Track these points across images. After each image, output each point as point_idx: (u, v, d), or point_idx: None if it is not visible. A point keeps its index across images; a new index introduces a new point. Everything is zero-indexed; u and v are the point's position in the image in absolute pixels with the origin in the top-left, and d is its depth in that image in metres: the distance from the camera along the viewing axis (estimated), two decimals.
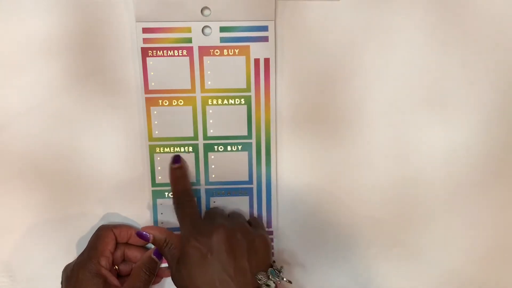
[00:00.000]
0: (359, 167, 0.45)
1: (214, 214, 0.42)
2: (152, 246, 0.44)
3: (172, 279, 0.40)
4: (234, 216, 0.43)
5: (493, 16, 0.43)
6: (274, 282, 0.39)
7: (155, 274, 0.42)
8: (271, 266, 0.40)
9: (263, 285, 0.38)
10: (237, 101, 0.43)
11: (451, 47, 0.43)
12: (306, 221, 0.46)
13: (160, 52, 0.42)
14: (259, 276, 0.38)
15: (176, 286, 0.40)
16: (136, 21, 0.41)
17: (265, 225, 0.45)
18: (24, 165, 0.44)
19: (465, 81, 0.44)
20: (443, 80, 0.44)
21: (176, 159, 0.43)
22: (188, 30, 0.41)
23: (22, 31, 0.41)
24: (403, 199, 0.46)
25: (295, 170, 0.45)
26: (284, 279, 0.40)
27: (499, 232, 0.47)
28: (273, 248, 0.45)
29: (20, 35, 0.41)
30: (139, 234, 0.41)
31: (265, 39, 0.42)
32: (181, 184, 0.43)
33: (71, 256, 0.44)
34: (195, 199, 0.43)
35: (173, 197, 0.43)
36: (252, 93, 0.43)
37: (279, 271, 0.40)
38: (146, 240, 0.41)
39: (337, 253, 0.46)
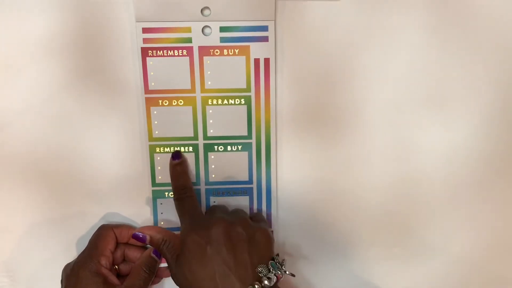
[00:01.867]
0: (359, 167, 0.45)
1: (215, 209, 0.42)
2: None
3: (173, 278, 0.40)
4: (236, 211, 0.43)
5: (493, 16, 0.43)
6: (275, 275, 0.38)
7: (154, 273, 0.42)
8: (273, 259, 0.39)
9: (264, 278, 0.37)
10: (237, 101, 0.43)
11: (452, 47, 0.43)
12: (306, 220, 0.46)
13: (160, 52, 0.42)
14: (260, 269, 0.38)
15: (177, 284, 0.39)
16: (136, 21, 0.41)
17: None
18: (24, 165, 0.44)
19: (465, 81, 0.44)
20: (443, 80, 0.44)
21: (176, 155, 0.43)
22: (188, 30, 0.41)
23: (23, 31, 0.41)
24: (403, 199, 0.46)
25: (295, 170, 0.45)
26: (287, 272, 0.39)
27: (499, 232, 0.47)
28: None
29: (21, 35, 0.41)
30: (135, 236, 0.41)
31: (265, 39, 0.42)
32: (181, 180, 0.43)
33: (71, 255, 0.44)
34: (195, 195, 0.43)
35: (174, 193, 0.43)
36: (252, 93, 0.43)
37: (281, 264, 0.39)
38: (143, 241, 0.41)
39: (337, 253, 0.46)
